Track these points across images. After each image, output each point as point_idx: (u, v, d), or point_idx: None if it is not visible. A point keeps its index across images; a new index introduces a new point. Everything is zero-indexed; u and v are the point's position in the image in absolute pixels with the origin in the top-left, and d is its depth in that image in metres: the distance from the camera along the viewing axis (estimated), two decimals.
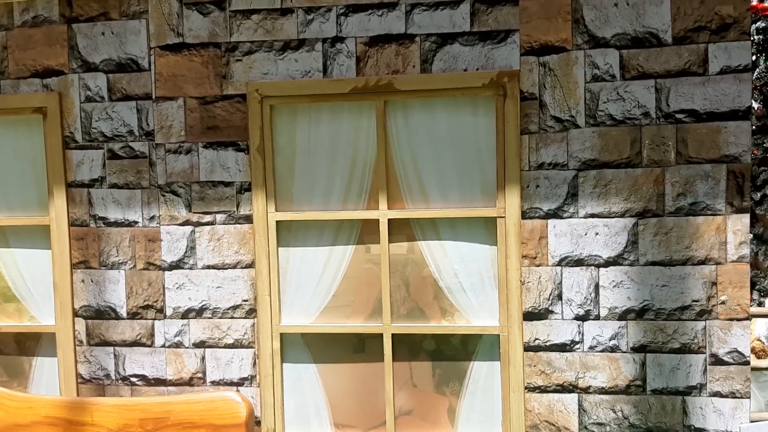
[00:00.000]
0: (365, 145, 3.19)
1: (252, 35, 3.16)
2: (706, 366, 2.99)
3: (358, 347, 3.28)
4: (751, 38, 4.87)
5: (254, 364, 3.26)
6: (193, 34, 3.20)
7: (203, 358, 3.30)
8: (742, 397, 2.98)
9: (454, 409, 3.25)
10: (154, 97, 3.25)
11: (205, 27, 3.19)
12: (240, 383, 3.28)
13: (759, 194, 5.03)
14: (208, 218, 3.24)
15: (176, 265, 3.27)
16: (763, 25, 4.84)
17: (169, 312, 3.30)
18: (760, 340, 4.03)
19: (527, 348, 3.10)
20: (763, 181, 5.01)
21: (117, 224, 3.31)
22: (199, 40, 3.20)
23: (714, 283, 2.97)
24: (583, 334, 3.07)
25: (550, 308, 3.08)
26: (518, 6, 3.00)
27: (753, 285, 5.12)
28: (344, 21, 3.10)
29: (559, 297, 3.07)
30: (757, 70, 4.82)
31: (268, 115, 3.17)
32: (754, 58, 4.92)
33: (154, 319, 3.32)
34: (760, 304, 4.99)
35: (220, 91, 3.20)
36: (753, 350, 4.06)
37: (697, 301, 2.98)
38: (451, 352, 3.26)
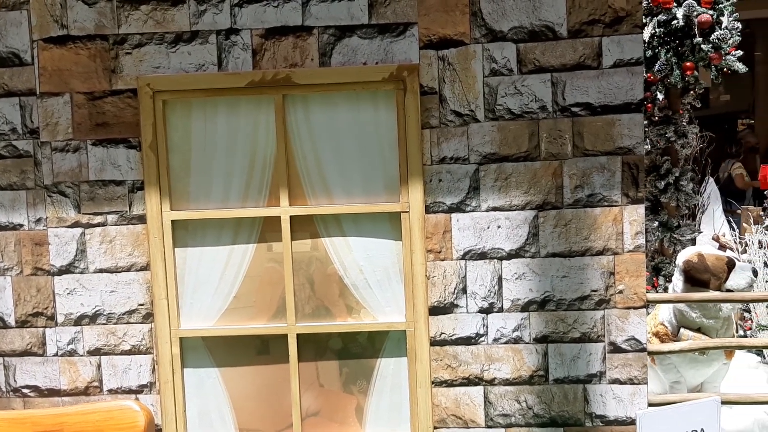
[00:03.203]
0: (265, 141, 3.10)
1: (142, 27, 3.02)
2: (605, 354, 3.05)
3: (263, 349, 3.20)
4: (654, 31, 5.01)
5: (153, 370, 3.13)
6: (78, 25, 3.03)
7: (99, 366, 3.15)
8: (639, 383, 3.05)
9: (362, 407, 3.21)
10: (38, 92, 3.06)
11: (91, 18, 3.02)
12: (139, 391, 3.15)
13: (663, 183, 5.19)
14: (99, 219, 3.08)
15: (66, 270, 3.11)
16: (665, 17, 4.98)
17: (60, 319, 3.13)
18: (664, 325, 4.15)
19: (433, 342, 3.09)
20: (666, 170, 5.17)
21: (1, 228, 3.11)
22: (85, 32, 3.03)
23: (612, 273, 3.02)
24: (487, 327, 3.08)
25: (455, 302, 3.07)
26: None
27: (659, 271, 5.28)
28: (239, 12, 3.00)
29: (464, 290, 3.07)
30: (659, 62, 4.96)
31: (161, 110, 3.04)
32: (656, 50, 5.06)
33: (45, 326, 3.15)
34: (666, 290, 5.17)
35: (109, 85, 3.04)
36: (657, 335, 4.18)
37: (595, 291, 3.03)
38: (358, 350, 3.22)
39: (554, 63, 2.96)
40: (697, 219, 5.74)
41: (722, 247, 5.50)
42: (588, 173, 2.99)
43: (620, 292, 3.02)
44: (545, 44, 2.96)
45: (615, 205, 3.00)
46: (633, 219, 3.00)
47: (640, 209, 3.01)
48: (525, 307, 3.05)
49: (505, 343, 3.07)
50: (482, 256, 3.05)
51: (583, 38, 2.95)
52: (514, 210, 3.03)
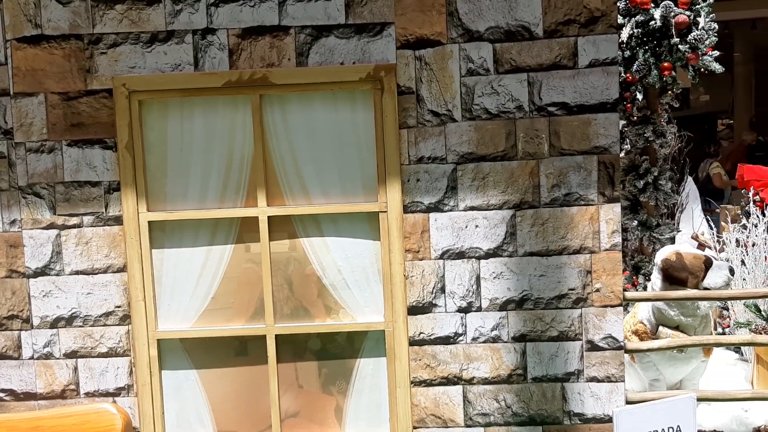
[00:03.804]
0: (242, 141, 3.09)
1: (117, 26, 2.99)
2: (582, 352, 3.06)
3: (241, 350, 3.19)
4: (632, 31, 5.04)
5: (131, 372, 3.11)
6: (52, 25, 3.00)
7: (76, 369, 3.12)
8: (617, 381, 3.07)
9: (341, 408, 3.20)
10: (12, 92, 3.03)
11: (66, 18, 3.00)
12: (116, 393, 3.12)
13: (642, 182, 5.22)
14: (74, 221, 3.06)
15: (42, 272, 3.07)
16: (642, 18, 5.02)
17: (36, 322, 3.10)
18: (643, 323, 4.18)
19: (412, 342, 3.09)
20: (645, 169, 5.21)
21: None
22: (59, 31, 3.00)
23: (589, 272, 3.04)
24: (466, 326, 3.08)
25: (433, 301, 3.08)
26: None
27: (639, 269, 5.32)
28: (215, 12, 2.98)
29: (442, 290, 3.07)
30: (637, 62, 4.99)
31: (137, 110, 3.02)
32: (634, 51, 5.09)
33: (21, 329, 3.11)
34: (646, 288, 5.20)
35: (84, 86, 3.02)
36: (636, 333, 4.21)
37: (573, 289, 3.04)
38: (337, 351, 3.21)
39: (530, 63, 2.97)
40: (676, 218, 5.77)
41: (701, 245, 5.54)
42: (564, 172, 3.01)
43: (597, 290, 3.04)
44: (521, 44, 2.97)
45: (591, 204, 3.02)
46: (609, 218, 3.02)
47: (617, 208, 3.03)
48: (503, 306, 3.06)
49: (484, 342, 3.08)
50: (460, 255, 3.06)
51: (558, 38, 2.97)
52: (492, 209, 3.04)
